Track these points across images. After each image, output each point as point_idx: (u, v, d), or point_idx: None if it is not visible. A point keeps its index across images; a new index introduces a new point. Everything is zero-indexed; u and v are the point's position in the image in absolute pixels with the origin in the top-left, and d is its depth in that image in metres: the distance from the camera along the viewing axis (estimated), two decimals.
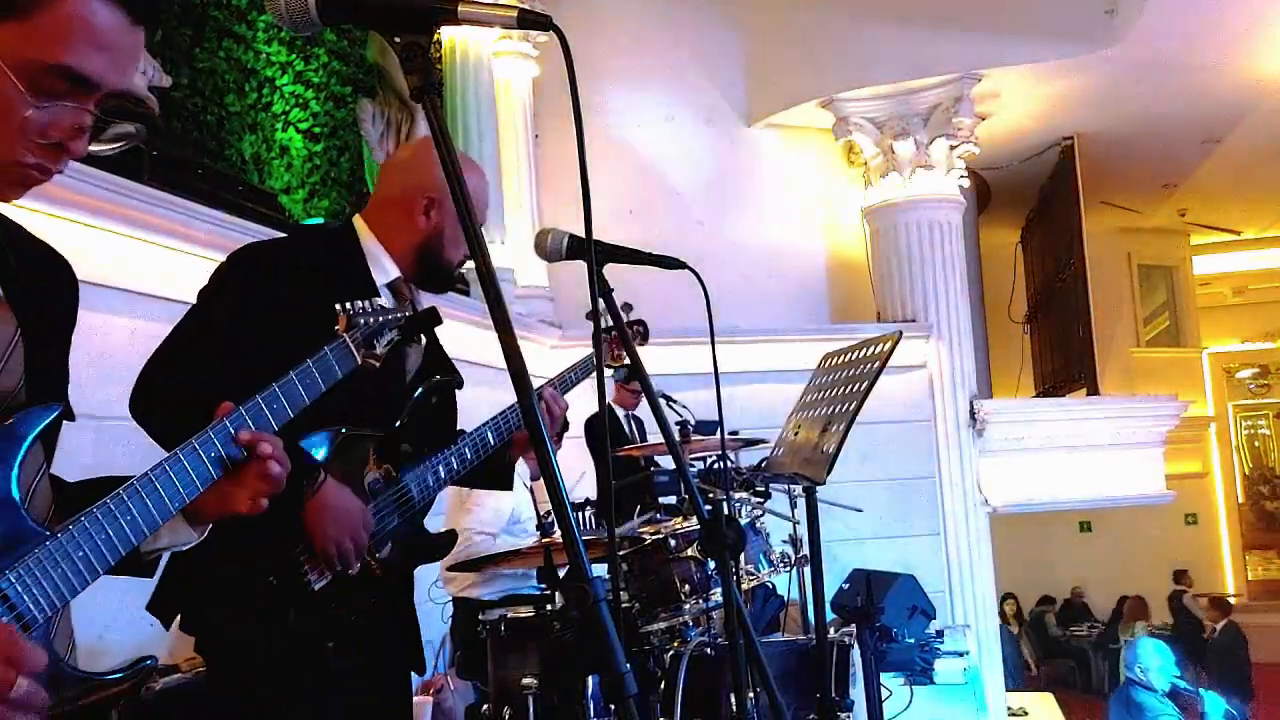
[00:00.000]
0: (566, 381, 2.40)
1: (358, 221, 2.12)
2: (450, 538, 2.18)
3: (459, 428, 2.24)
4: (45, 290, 1.23)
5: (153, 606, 1.96)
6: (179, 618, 1.96)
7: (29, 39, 1.06)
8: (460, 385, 2.20)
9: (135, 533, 1.17)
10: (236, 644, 1.91)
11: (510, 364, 1.13)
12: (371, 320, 1.55)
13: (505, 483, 2.35)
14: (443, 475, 2.06)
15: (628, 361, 2.27)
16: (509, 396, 1.13)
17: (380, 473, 1.98)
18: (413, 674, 2.19)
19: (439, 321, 1.73)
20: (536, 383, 1.12)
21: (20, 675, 1.01)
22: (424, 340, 2.14)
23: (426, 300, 2.08)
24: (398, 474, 2.01)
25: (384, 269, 2.07)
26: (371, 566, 1.95)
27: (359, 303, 1.56)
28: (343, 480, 1.89)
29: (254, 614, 1.86)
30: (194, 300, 1.98)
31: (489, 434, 2.14)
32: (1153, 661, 5.49)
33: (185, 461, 1.23)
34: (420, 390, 2.08)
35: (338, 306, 1.53)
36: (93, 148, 1.20)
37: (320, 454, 1.87)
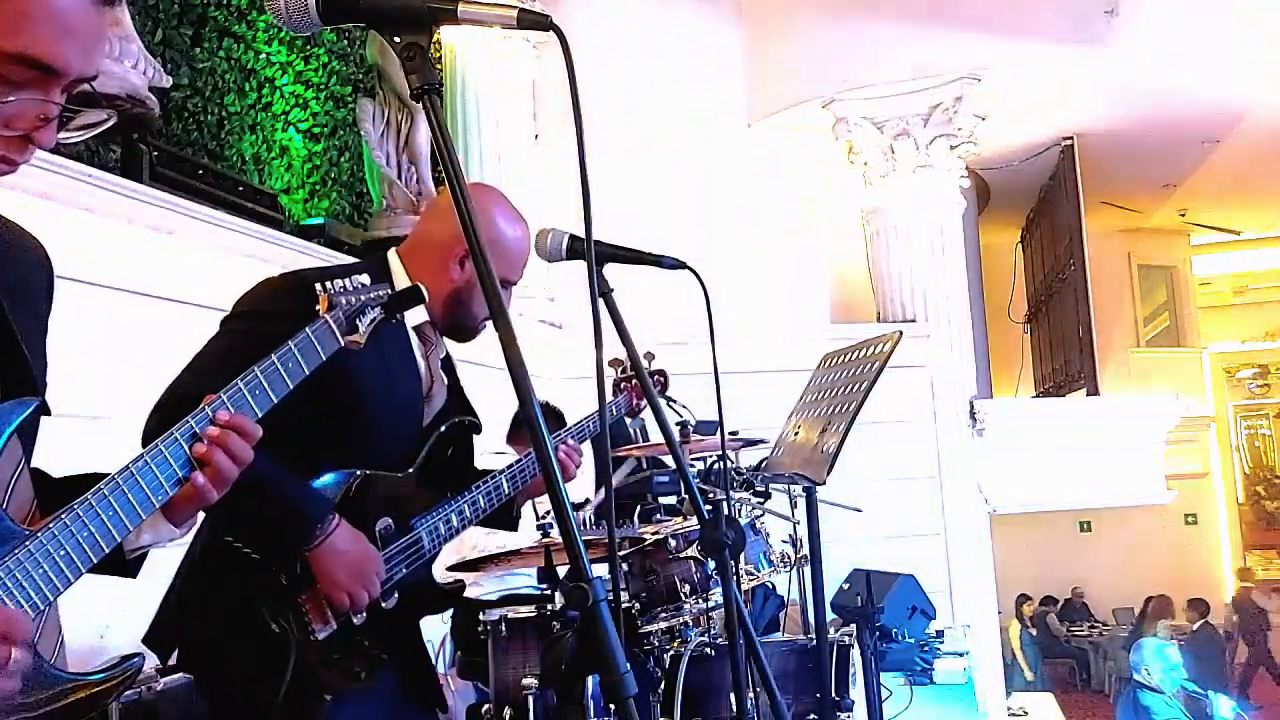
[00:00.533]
0: (584, 431, 2.39)
1: (393, 257, 2.08)
2: (459, 589, 2.14)
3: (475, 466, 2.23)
4: (18, 276, 1.20)
5: (149, 640, 1.91)
6: (175, 654, 1.92)
7: None
8: (479, 430, 2.17)
9: (118, 528, 1.15)
10: (236, 686, 1.85)
11: (510, 363, 1.13)
12: (353, 299, 1.49)
13: (510, 525, 2.34)
14: (455, 524, 2.03)
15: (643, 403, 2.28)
16: (509, 397, 1.12)
17: (391, 519, 1.94)
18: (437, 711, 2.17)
19: (422, 299, 1.67)
20: (536, 383, 1.11)
21: (14, 648, 1.01)
22: (447, 381, 2.12)
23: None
24: (409, 521, 1.97)
25: (415, 311, 1.98)
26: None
27: (339, 281, 1.50)
28: (356, 525, 1.85)
29: (254, 658, 1.81)
30: (225, 312, 1.95)
31: (504, 482, 2.12)
32: (1159, 663, 5.48)
33: (166, 452, 1.21)
34: (438, 434, 2.05)
35: (317, 286, 1.48)
36: (61, 136, 1.16)
37: (333, 495, 1.83)
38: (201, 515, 1.37)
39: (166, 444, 1.22)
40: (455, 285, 2.03)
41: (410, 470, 1.97)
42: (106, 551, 1.14)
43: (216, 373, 1.70)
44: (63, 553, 1.09)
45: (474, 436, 2.19)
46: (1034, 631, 11.55)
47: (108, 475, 1.17)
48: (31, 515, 1.16)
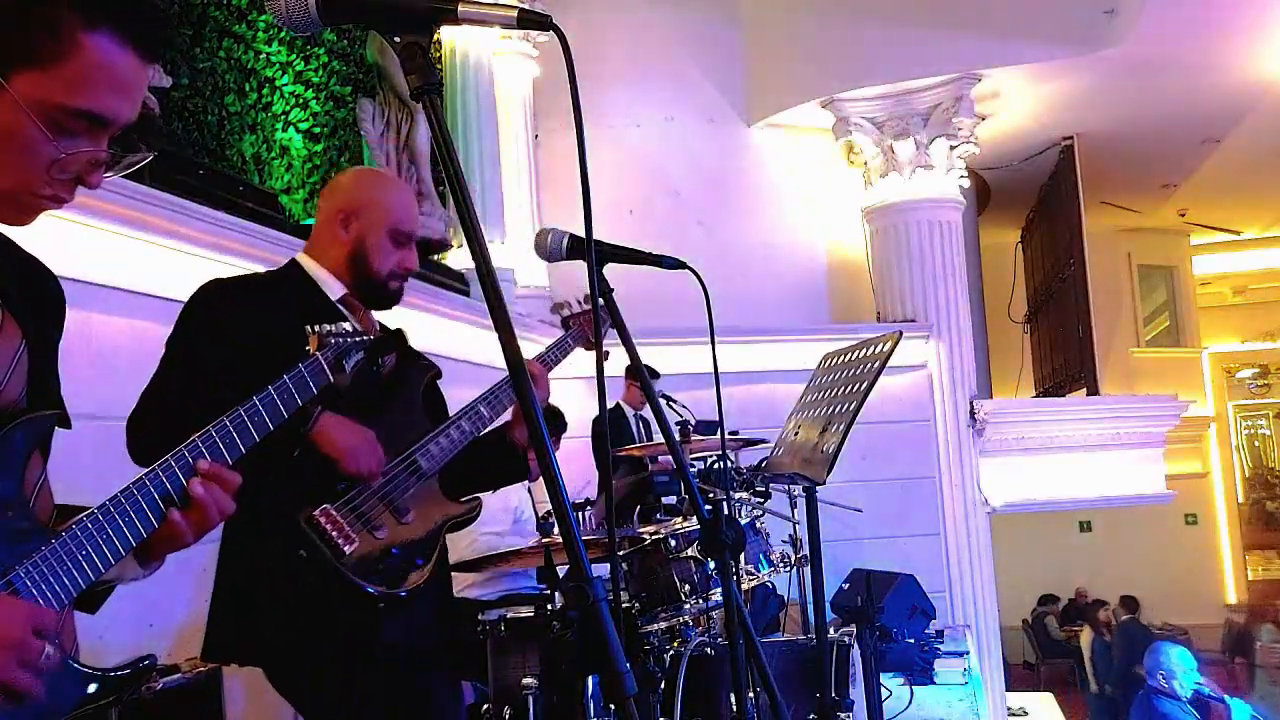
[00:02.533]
0: (546, 361, 2.45)
1: (302, 258, 2.23)
2: (475, 504, 2.26)
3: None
4: (39, 303, 1.29)
5: (211, 654, 2.04)
6: (239, 653, 2.05)
7: (52, 84, 1.14)
8: (439, 374, 2.32)
9: (135, 534, 1.22)
10: (298, 657, 1.98)
11: (510, 364, 1.13)
12: (341, 341, 1.65)
13: (522, 469, 2.39)
14: (444, 445, 2.15)
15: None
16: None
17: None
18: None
19: (405, 344, 1.85)
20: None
21: (46, 643, 1.07)
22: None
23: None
24: (402, 449, 2.12)
25: (332, 288, 2.17)
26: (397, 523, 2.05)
27: (328, 325, 1.66)
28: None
29: (305, 613, 1.94)
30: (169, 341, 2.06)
31: (481, 408, 2.24)
32: (1176, 668, 5.46)
33: (174, 464, 1.28)
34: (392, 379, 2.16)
35: (308, 328, 1.64)
36: (107, 176, 1.26)
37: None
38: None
39: (176, 457, 1.29)
40: (348, 246, 2.16)
41: (381, 413, 2.11)
42: (124, 554, 1.21)
43: (155, 392, 1.94)
44: (85, 552, 1.17)
45: (439, 385, 2.34)
46: (1108, 639, 11.26)
47: (86, 508, 1.22)
48: (52, 522, 1.23)
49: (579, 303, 2.64)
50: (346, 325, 1.70)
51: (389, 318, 2.32)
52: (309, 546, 1.92)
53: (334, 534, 1.94)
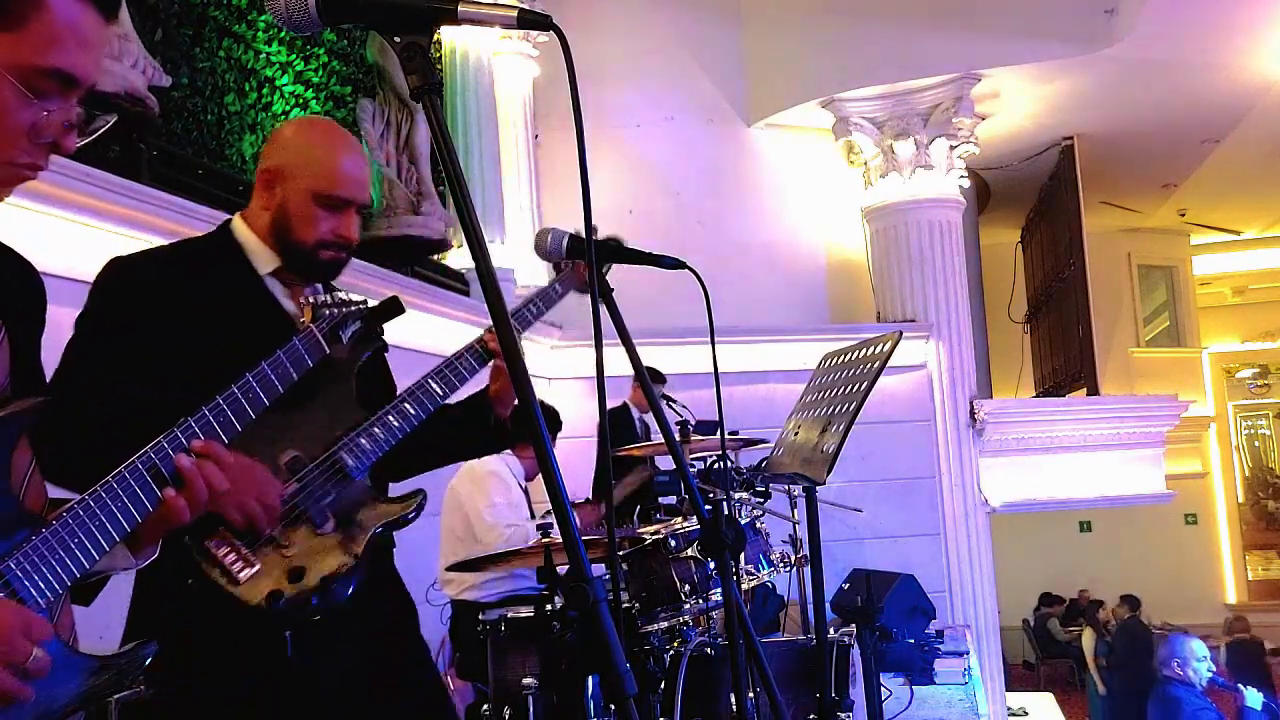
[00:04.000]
0: (525, 316, 2.15)
1: (235, 219, 1.97)
2: (413, 500, 1.89)
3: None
4: (20, 296, 1.28)
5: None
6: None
7: (21, 46, 1.13)
8: (385, 348, 1.92)
9: (129, 519, 1.21)
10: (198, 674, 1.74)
11: (510, 363, 1.13)
12: (335, 311, 1.57)
13: (504, 437, 2.14)
14: (381, 435, 1.82)
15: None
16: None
17: (300, 450, 1.77)
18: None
19: (401, 311, 1.65)
20: (536, 383, 1.11)
21: (35, 646, 1.06)
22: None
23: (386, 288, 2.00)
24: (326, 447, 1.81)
25: (261, 260, 1.90)
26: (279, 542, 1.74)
27: (323, 295, 1.57)
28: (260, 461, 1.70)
29: (199, 638, 1.71)
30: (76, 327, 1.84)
31: (432, 383, 1.92)
32: (1190, 657, 5.48)
33: (167, 444, 1.28)
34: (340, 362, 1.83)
35: (301, 299, 1.55)
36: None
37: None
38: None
39: (168, 438, 1.28)
40: (271, 211, 1.89)
41: (305, 406, 1.78)
42: (117, 540, 1.20)
43: (63, 377, 1.68)
44: (77, 540, 1.16)
45: (386, 364, 2.03)
46: (1110, 640, 11.17)
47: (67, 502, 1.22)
48: (45, 511, 1.22)
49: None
50: (341, 294, 1.60)
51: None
52: (197, 574, 1.65)
53: (230, 558, 1.67)
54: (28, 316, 1.27)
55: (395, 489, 1.97)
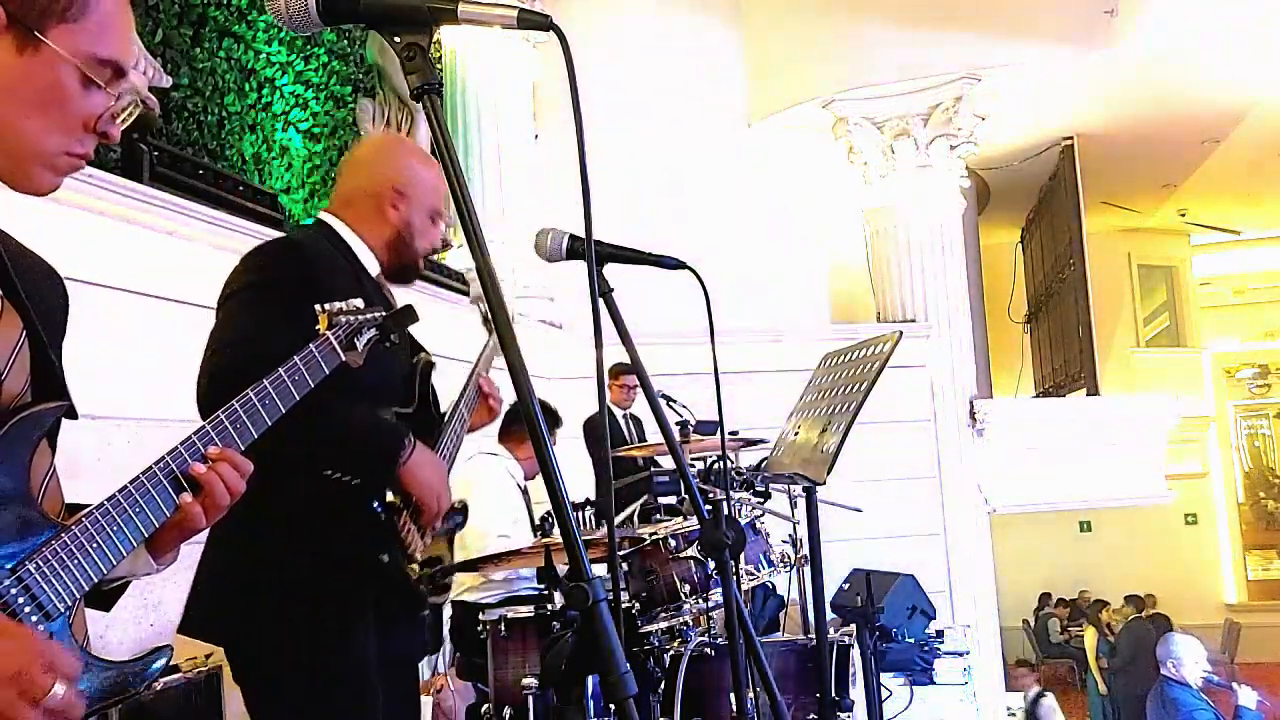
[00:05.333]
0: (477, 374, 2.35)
1: (330, 218, 2.11)
2: (465, 509, 2.22)
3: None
4: (43, 296, 1.27)
5: (190, 627, 1.95)
6: (220, 633, 1.96)
7: (84, 35, 1.15)
8: (433, 365, 2.24)
9: (145, 524, 1.20)
10: (295, 653, 1.89)
11: (511, 364, 1.13)
12: (351, 319, 1.58)
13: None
14: (452, 449, 2.13)
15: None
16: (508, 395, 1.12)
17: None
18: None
19: (415, 319, 1.74)
20: (536, 383, 1.11)
21: (58, 682, 1.02)
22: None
23: (401, 297, 2.12)
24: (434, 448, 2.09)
25: (370, 263, 2.10)
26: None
27: (337, 303, 1.59)
28: None
29: (321, 615, 1.87)
30: (217, 301, 1.97)
31: (463, 409, 2.22)
32: (1185, 656, 5.49)
33: (184, 452, 1.26)
34: (419, 371, 2.14)
35: (317, 307, 1.56)
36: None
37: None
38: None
39: (185, 445, 1.26)
40: (394, 226, 2.10)
41: (413, 409, 2.08)
42: (135, 546, 1.19)
43: (256, 339, 1.82)
44: (95, 544, 1.15)
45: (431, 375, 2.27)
46: (1112, 639, 11.19)
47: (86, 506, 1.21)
48: (61, 516, 1.21)
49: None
50: (357, 302, 1.62)
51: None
52: (391, 551, 1.91)
53: (411, 541, 1.94)
54: (51, 320, 1.26)
55: None
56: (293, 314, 1.76)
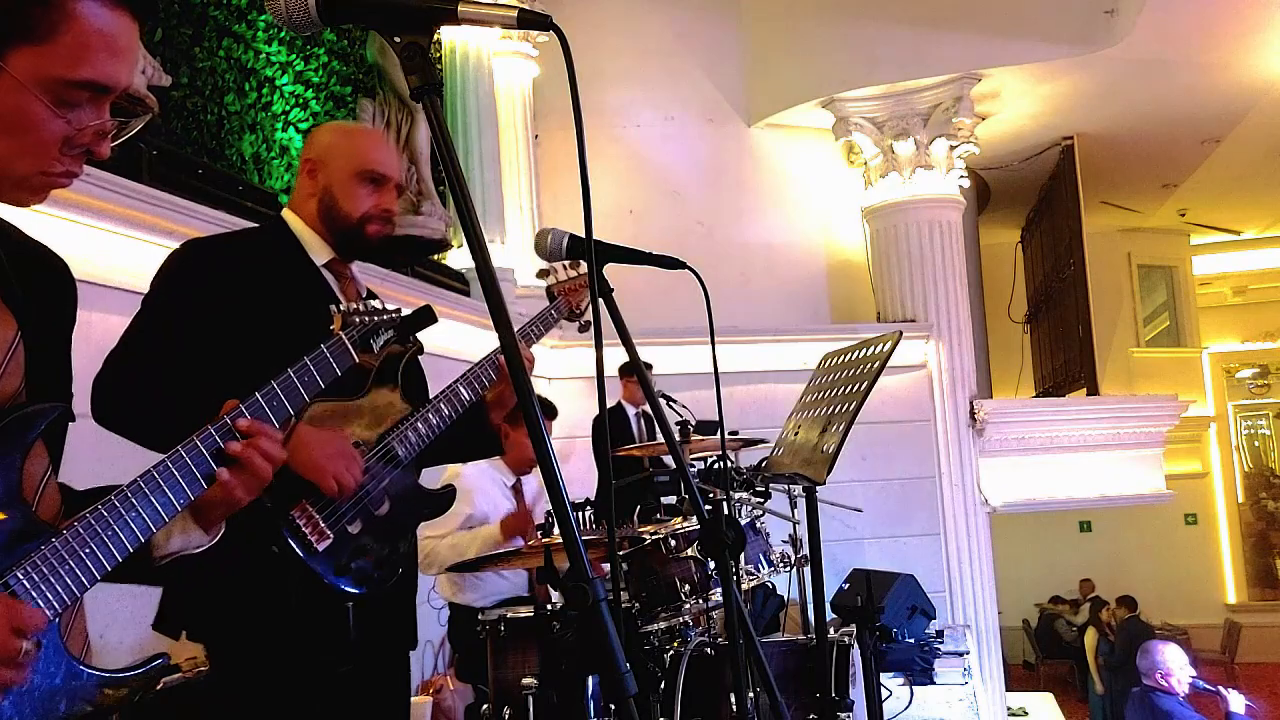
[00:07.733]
0: (529, 335, 2.40)
1: (285, 212, 2.16)
2: (450, 492, 2.17)
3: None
4: (42, 291, 1.24)
5: (159, 624, 1.97)
6: (185, 629, 1.97)
7: (51, 59, 1.11)
8: (421, 350, 2.15)
9: (142, 529, 1.18)
10: (244, 636, 1.91)
11: (509, 362, 1.13)
12: (367, 320, 1.56)
13: (495, 446, 2.34)
14: (422, 430, 2.03)
15: (588, 316, 2.31)
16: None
17: (362, 436, 1.96)
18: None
19: (434, 320, 1.73)
20: (536, 382, 1.11)
21: (25, 640, 1.04)
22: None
23: (414, 295, 2.10)
24: (379, 435, 2.01)
25: (317, 251, 2.10)
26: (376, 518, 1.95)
27: (353, 303, 1.58)
28: None
29: (260, 601, 1.86)
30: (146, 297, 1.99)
31: (461, 388, 2.13)
32: (1173, 665, 5.47)
33: (186, 457, 1.24)
34: (386, 355, 2.08)
35: (332, 307, 1.55)
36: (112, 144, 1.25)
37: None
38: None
39: (187, 449, 1.25)
40: (316, 195, 2.09)
41: (361, 395, 1.98)
42: (130, 551, 1.17)
43: (162, 363, 1.85)
44: (88, 550, 1.13)
45: (420, 364, 2.23)
46: (1112, 639, 11.17)
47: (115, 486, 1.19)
48: (58, 519, 1.19)
49: (565, 269, 2.56)
50: (375, 302, 1.62)
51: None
52: (280, 543, 1.83)
53: (307, 530, 1.84)
54: (50, 318, 1.24)
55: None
56: (185, 317, 1.89)
